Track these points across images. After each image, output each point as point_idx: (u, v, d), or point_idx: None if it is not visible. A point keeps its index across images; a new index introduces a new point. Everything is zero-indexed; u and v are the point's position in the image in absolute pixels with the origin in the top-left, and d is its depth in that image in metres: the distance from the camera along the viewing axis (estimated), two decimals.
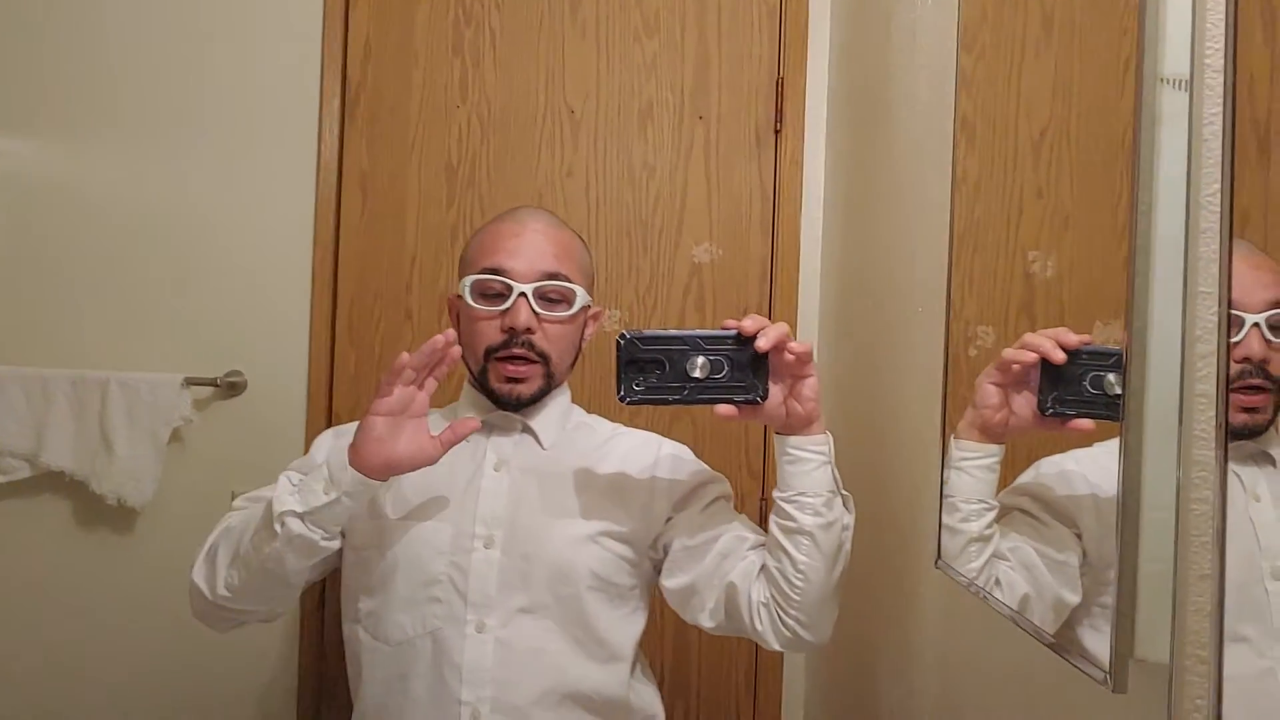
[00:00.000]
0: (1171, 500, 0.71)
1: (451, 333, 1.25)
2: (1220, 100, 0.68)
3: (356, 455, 1.26)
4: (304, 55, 2.07)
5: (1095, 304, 0.96)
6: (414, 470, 1.29)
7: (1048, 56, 1.09)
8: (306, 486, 1.27)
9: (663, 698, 1.49)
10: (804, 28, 2.10)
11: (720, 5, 2.11)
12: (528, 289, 1.34)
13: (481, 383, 1.40)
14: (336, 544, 1.30)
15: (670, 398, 1.18)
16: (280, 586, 1.33)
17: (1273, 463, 0.70)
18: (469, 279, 1.37)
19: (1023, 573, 1.00)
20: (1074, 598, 0.93)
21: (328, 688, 2.03)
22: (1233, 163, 0.66)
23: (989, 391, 1.01)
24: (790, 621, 1.27)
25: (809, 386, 1.21)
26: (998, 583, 1.03)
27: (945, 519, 1.12)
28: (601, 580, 1.37)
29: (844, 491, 1.27)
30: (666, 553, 1.40)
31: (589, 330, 1.47)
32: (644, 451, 1.45)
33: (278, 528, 1.25)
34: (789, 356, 1.18)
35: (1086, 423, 0.89)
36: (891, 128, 1.62)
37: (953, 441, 1.08)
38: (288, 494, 1.27)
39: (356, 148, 2.08)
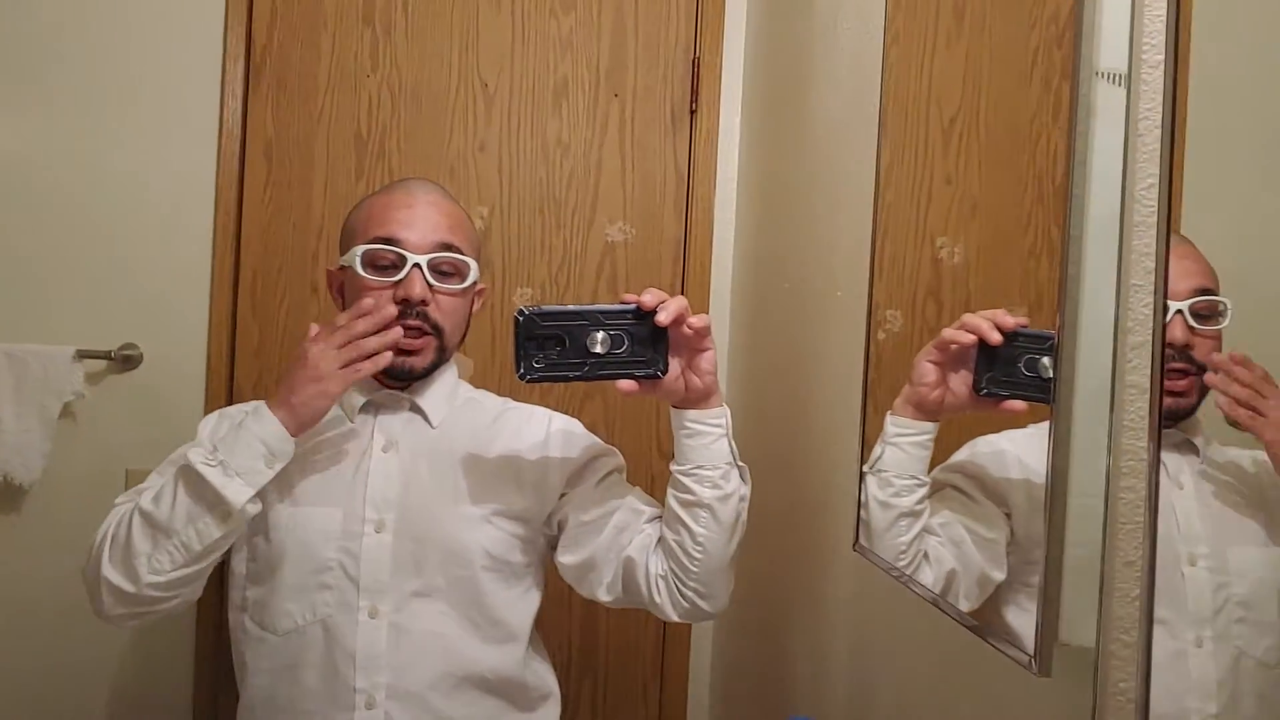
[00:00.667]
0: (1100, 487, 0.72)
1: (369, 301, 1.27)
2: (1158, 96, 0.68)
3: (295, 410, 1.25)
4: (206, 15, 1.99)
5: (1001, 291, 0.98)
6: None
7: (959, 45, 1.11)
8: (245, 467, 1.24)
9: (570, 677, 1.49)
10: (721, 8, 2.10)
11: None
12: (422, 260, 1.32)
13: None
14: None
15: (571, 374, 1.17)
16: (210, 566, 1.29)
17: (1196, 451, 0.72)
18: (360, 249, 1.33)
19: (951, 548, 1.02)
20: (999, 575, 0.95)
21: (226, 674, 1.97)
22: (1171, 159, 0.67)
23: (926, 369, 1.02)
24: (689, 593, 1.28)
25: (707, 360, 1.21)
26: (926, 557, 1.05)
27: (877, 493, 1.13)
28: (496, 560, 1.36)
29: (740, 463, 1.28)
30: (561, 529, 1.39)
31: (474, 307, 1.44)
32: (534, 427, 1.44)
33: (241, 516, 1.24)
34: (688, 330, 1.18)
35: (1020, 404, 0.91)
36: (811, 111, 1.62)
37: (888, 417, 1.10)
38: (225, 478, 1.23)
39: (261, 114, 2.02)
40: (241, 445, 1.24)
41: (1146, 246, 0.68)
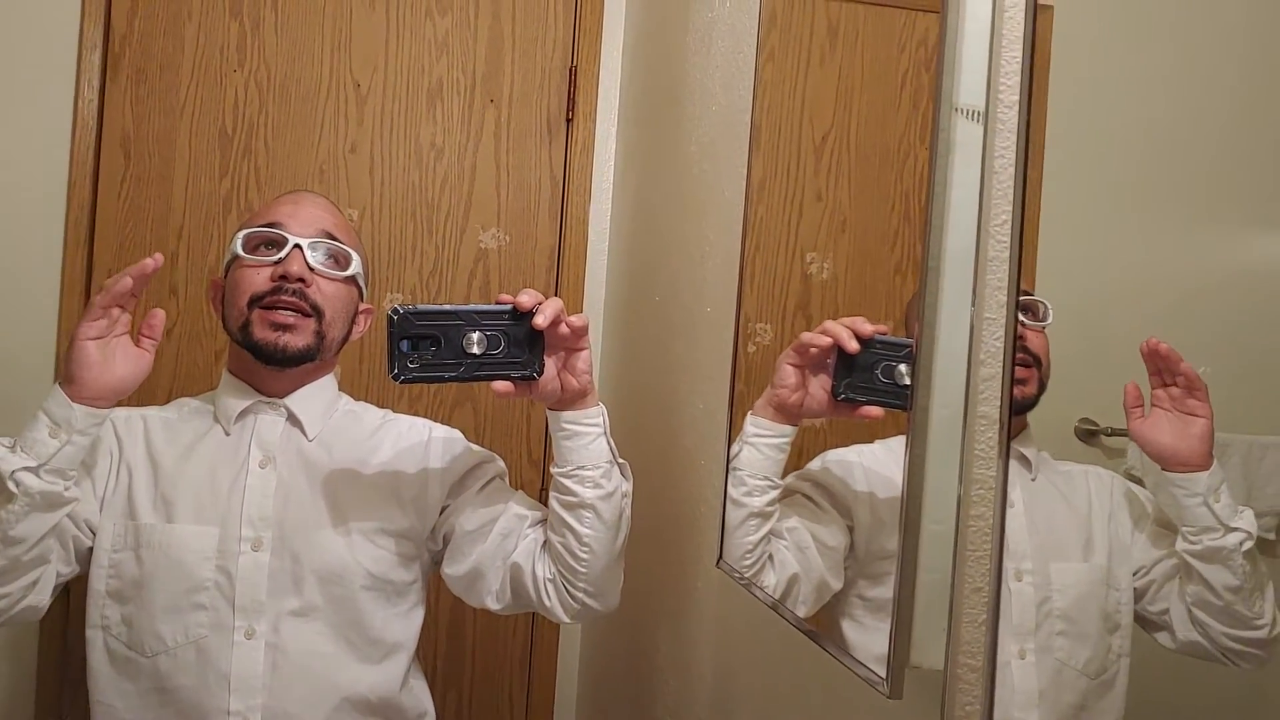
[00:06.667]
0: (951, 514, 0.73)
1: (159, 256, 1.19)
2: (1013, 133, 0.70)
3: (78, 387, 1.18)
4: (62, 1, 1.89)
5: (869, 307, 1.00)
6: (135, 387, 1.23)
7: (832, 65, 1.13)
8: (27, 440, 1.18)
9: (435, 688, 1.46)
10: (599, 17, 2.10)
11: None
12: (304, 242, 1.31)
13: (244, 339, 1.31)
14: (78, 492, 1.23)
15: (446, 375, 1.15)
16: (33, 560, 1.21)
17: (1028, 466, 0.75)
18: (242, 233, 1.32)
19: (795, 553, 1.04)
20: (836, 584, 0.97)
21: (72, 692, 1.88)
22: (1024, 196, 0.69)
23: (787, 372, 1.04)
24: (579, 594, 1.27)
25: (583, 360, 1.21)
26: (770, 560, 1.07)
27: (731, 490, 1.14)
28: (377, 579, 1.33)
29: (620, 459, 1.28)
30: (446, 542, 1.37)
31: (359, 326, 1.42)
32: (414, 439, 1.41)
33: (13, 488, 1.16)
34: (565, 330, 1.17)
35: (876, 410, 0.93)
36: (684, 124, 1.64)
37: (748, 417, 1.11)
38: (8, 453, 1.17)
39: (119, 106, 1.93)
40: (32, 421, 1.20)
41: (1000, 281, 0.70)
